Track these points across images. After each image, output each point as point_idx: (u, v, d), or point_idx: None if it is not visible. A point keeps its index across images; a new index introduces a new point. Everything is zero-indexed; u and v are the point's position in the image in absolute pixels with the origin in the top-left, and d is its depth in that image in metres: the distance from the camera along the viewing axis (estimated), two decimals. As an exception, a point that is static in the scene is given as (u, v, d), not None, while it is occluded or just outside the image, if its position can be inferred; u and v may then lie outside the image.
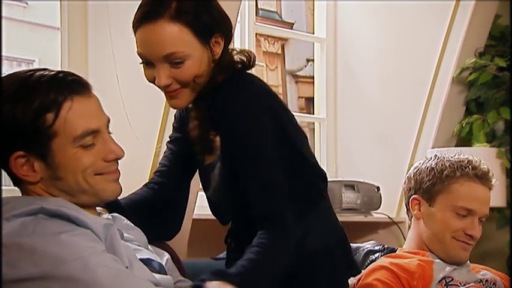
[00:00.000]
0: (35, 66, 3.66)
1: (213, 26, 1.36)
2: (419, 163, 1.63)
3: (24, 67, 3.77)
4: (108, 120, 1.16)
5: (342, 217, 2.78)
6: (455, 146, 2.92)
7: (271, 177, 1.31)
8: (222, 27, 1.38)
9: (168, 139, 1.60)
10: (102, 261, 0.99)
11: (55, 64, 2.38)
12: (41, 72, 1.09)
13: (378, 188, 2.84)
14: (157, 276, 1.14)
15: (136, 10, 1.36)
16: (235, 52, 1.42)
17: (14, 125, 1.05)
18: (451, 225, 1.54)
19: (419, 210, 1.59)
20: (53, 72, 1.09)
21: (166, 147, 1.59)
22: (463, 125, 2.86)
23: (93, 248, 1.01)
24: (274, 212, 1.29)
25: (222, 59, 1.38)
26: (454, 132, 2.92)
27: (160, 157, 2.27)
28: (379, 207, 2.87)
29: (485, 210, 1.55)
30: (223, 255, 1.66)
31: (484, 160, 2.44)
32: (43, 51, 3.28)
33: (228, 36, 1.40)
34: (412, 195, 1.61)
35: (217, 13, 1.38)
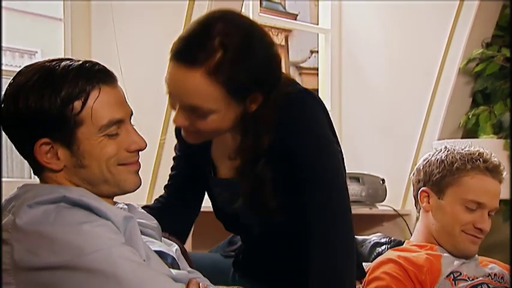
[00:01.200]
0: (38, 57, 3.65)
1: (253, 86, 1.24)
2: (429, 155, 1.61)
3: (26, 58, 3.76)
4: (131, 112, 1.16)
5: (346, 209, 2.78)
6: (462, 137, 2.90)
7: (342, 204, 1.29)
8: (264, 86, 1.25)
9: (174, 154, 1.55)
10: (122, 254, 0.99)
11: (58, 55, 2.36)
12: (67, 62, 1.08)
13: (383, 180, 2.83)
14: (173, 271, 1.13)
15: (181, 33, 1.24)
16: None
17: (40, 112, 1.05)
18: (461, 218, 1.52)
19: (428, 202, 1.57)
20: (79, 62, 1.09)
21: (171, 170, 1.55)
22: (470, 116, 2.84)
23: (114, 240, 1.00)
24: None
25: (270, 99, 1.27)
26: (460, 123, 2.89)
27: (165, 149, 2.27)
28: (384, 199, 2.85)
29: (495, 204, 1.53)
30: (222, 246, 1.65)
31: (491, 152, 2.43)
32: (46, 42, 3.26)
33: (269, 92, 1.27)
34: (421, 188, 1.58)
35: (262, 71, 1.24)
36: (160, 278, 1.01)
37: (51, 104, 1.04)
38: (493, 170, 1.53)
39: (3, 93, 1.10)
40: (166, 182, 1.57)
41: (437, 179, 1.55)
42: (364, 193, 2.78)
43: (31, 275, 0.97)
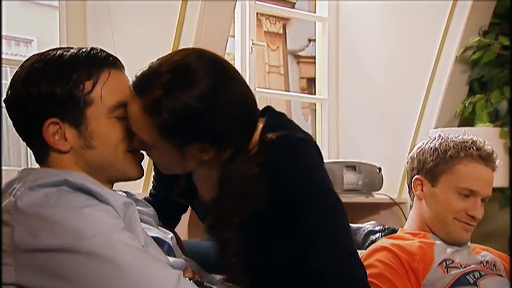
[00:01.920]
0: (34, 45, 3.65)
1: (192, 137, 1.13)
2: (423, 143, 1.61)
3: (22, 46, 3.76)
4: None
5: (343, 198, 2.77)
6: (458, 126, 2.90)
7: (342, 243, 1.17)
8: (211, 140, 1.14)
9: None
10: (122, 239, 0.99)
11: (54, 44, 2.35)
12: (74, 50, 1.12)
13: (380, 168, 2.83)
14: (170, 259, 1.14)
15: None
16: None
17: (51, 94, 1.07)
18: (453, 205, 1.52)
19: (422, 190, 1.57)
20: (87, 49, 1.13)
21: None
22: (466, 104, 2.84)
23: (114, 225, 1.00)
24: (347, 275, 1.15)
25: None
26: (456, 112, 2.89)
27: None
28: (381, 187, 2.86)
29: (488, 191, 1.53)
30: None
31: (487, 140, 2.42)
32: (42, 30, 3.25)
33: (228, 145, 1.17)
34: (414, 176, 1.59)
35: (212, 126, 1.12)
36: (159, 264, 1.01)
37: (62, 87, 1.07)
38: (486, 158, 1.53)
39: (10, 79, 1.12)
40: (151, 189, 1.54)
41: (430, 167, 1.55)
42: (360, 182, 2.78)
43: (30, 257, 0.97)
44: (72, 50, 1.12)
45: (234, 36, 2.93)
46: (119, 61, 1.16)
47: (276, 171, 1.16)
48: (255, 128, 1.21)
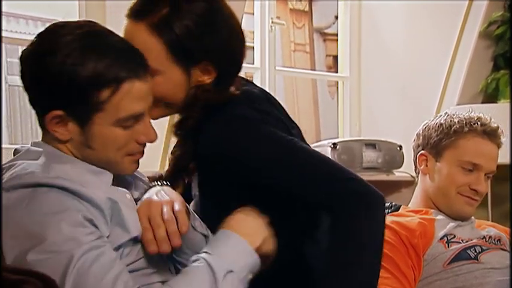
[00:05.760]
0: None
1: (201, 53, 1.17)
2: (429, 120, 1.62)
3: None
4: (152, 100, 1.14)
5: (362, 176, 2.75)
6: (482, 102, 2.84)
7: (308, 164, 1.16)
8: (216, 57, 1.18)
9: None
10: (80, 259, 0.97)
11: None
12: (109, 36, 1.08)
13: (400, 146, 2.80)
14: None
15: None
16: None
17: (67, 84, 1.03)
18: (457, 179, 1.52)
19: (426, 165, 1.58)
20: (126, 43, 1.10)
21: None
22: (489, 80, 2.78)
23: (76, 240, 0.98)
24: (340, 194, 1.15)
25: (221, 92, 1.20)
26: (479, 88, 2.83)
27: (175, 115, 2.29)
28: (402, 165, 2.83)
29: (491, 166, 1.53)
30: None
31: (509, 116, 2.37)
32: (68, 10, 3.30)
33: (226, 69, 1.20)
34: (419, 152, 1.59)
35: (212, 41, 1.17)
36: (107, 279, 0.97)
37: (83, 78, 1.02)
38: (491, 134, 1.53)
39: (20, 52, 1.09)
40: None
41: (435, 142, 1.56)
42: (380, 159, 2.76)
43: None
44: (111, 37, 1.07)
45: (253, 14, 2.93)
46: (147, 67, 1.10)
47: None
48: (240, 63, 1.25)
